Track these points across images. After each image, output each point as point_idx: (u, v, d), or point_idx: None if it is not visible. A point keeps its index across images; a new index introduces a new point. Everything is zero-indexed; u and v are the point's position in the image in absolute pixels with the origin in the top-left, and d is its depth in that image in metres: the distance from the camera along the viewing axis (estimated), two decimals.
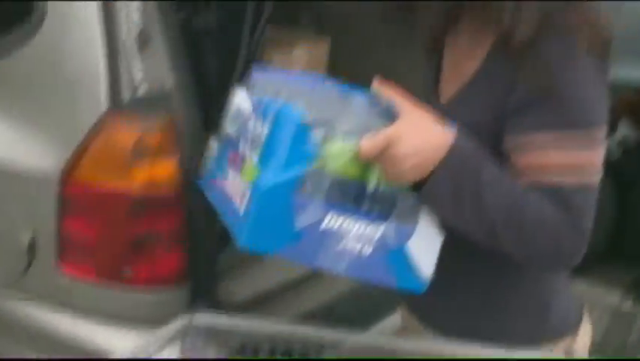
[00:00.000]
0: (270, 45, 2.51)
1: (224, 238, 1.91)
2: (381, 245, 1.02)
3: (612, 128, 3.49)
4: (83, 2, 1.46)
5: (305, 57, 2.59)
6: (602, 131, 1.05)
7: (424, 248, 1.05)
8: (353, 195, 1.00)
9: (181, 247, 1.53)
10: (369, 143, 0.98)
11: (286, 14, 3.17)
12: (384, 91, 1.06)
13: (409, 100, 1.05)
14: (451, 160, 1.01)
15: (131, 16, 1.45)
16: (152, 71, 1.48)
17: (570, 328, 1.22)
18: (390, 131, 0.99)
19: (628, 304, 3.28)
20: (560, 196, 1.02)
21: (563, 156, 1.03)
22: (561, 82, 1.02)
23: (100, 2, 1.44)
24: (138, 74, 1.46)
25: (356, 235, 1.01)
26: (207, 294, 1.60)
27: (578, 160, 1.03)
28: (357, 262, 1.02)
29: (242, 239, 0.99)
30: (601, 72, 1.07)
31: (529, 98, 1.04)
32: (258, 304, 1.80)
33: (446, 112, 1.13)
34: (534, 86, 1.04)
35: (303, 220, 0.98)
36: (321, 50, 2.71)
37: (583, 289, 3.02)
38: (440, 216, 1.06)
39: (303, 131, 0.97)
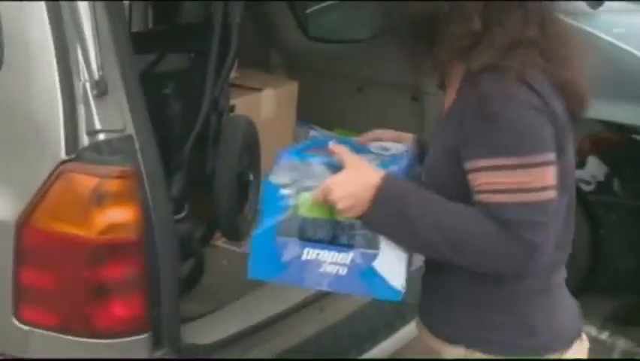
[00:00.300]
0: (238, 87, 2.53)
1: (187, 282, 1.91)
2: (353, 267, 1.34)
3: (581, 164, 3.54)
4: (40, 51, 1.46)
5: (273, 99, 2.61)
6: (540, 156, 1.21)
7: (391, 265, 1.33)
8: (327, 230, 1.34)
9: (143, 292, 1.52)
10: (315, 192, 1.32)
11: (255, 57, 3.20)
12: (336, 150, 1.35)
13: (352, 156, 1.33)
14: (378, 199, 1.26)
15: (89, 64, 1.46)
16: (111, 117, 1.48)
17: (559, 345, 1.33)
18: (325, 182, 1.31)
19: (605, 335, 3.32)
20: (499, 214, 1.20)
21: (502, 179, 1.20)
22: (494, 113, 1.20)
23: (58, 50, 1.44)
24: (97, 120, 1.46)
25: (331, 261, 1.34)
26: (171, 339, 1.58)
27: (515, 182, 1.20)
28: (336, 280, 1.35)
29: (248, 272, 1.40)
30: (543, 108, 1.20)
31: (473, 126, 1.23)
32: (224, 348, 1.78)
33: (434, 137, 1.35)
34: (475, 116, 1.22)
35: (286, 255, 1.36)
36: (289, 92, 2.73)
37: None
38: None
39: (275, 190, 1.35)
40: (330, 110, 2.66)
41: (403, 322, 2.09)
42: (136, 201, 1.48)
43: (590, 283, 3.46)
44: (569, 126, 1.26)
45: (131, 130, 1.49)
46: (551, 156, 1.21)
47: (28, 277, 1.50)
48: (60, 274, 1.49)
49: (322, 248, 1.34)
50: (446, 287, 1.35)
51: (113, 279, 1.49)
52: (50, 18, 1.46)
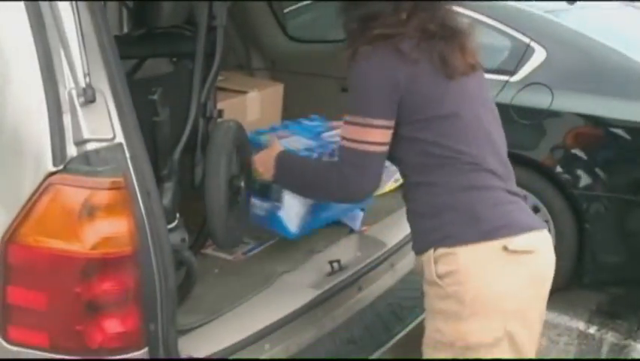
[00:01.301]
0: (223, 91, 2.48)
1: (179, 292, 1.85)
2: (269, 211, 2.12)
3: (563, 158, 3.55)
4: (22, 58, 1.39)
5: (259, 102, 2.57)
6: (375, 119, 1.65)
7: (289, 214, 2.08)
8: (263, 187, 2.07)
9: (138, 307, 1.46)
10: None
11: (237, 59, 3.15)
12: (272, 137, 2.13)
13: (273, 141, 2.03)
14: (276, 166, 1.89)
15: (75, 70, 1.39)
16: (99, 125, 1.41)
17: (503, 232, 1.64)
18: (253, 158, 2.02)
19: (594, 329, 3.35)
20: (340, 153, 1.73)
21: (347, 130, 1.69)
22: (350, 81, 1.67)
23: (42, 59, 1.38)
24: (85, 129, 1.39)
25: (259, 207, 2.12)
26: (168, 354, 1.52)
27: (353, 134, 1.67)
28: (260, 218, 2.14)
29: None
30: (383, 84, 1.63)
31: None
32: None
33: None
34: None
35: (250, 201, 2.13)
36: (274, 94, 2.70)
37: (551, 317, 3.06)
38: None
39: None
40: (315, 111, 2.62)
41: (403, 326, 2.06)
42: (128, 213, 1.42)
43: (576, 277, 3.47)
44: (434, 87, 1.67)
45: (120, 138, 1.43)
46: (379, 122, 1.64)
47: (15, 297, 1.43)
48: (50, 292, 1.43)
49: (256, 198, 2.10)
50: (410, 213, 1.77)
51: (106, 294, 1.43)
52: (31, 22, 1.39)
